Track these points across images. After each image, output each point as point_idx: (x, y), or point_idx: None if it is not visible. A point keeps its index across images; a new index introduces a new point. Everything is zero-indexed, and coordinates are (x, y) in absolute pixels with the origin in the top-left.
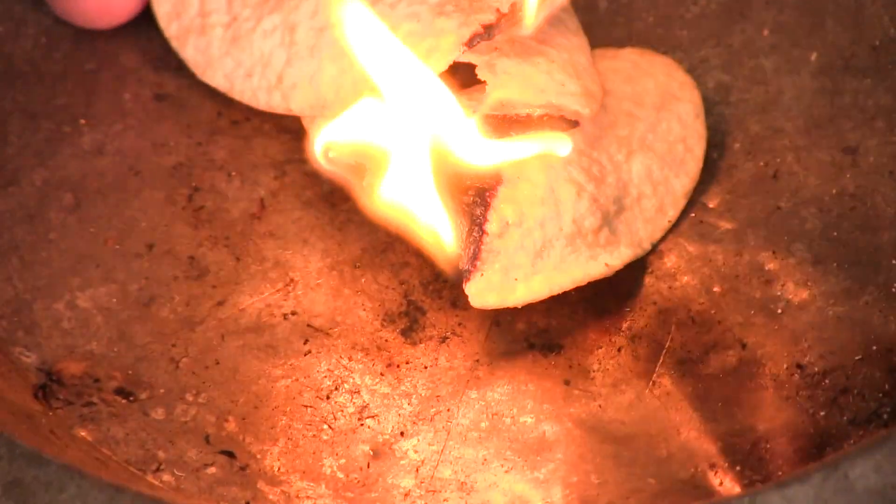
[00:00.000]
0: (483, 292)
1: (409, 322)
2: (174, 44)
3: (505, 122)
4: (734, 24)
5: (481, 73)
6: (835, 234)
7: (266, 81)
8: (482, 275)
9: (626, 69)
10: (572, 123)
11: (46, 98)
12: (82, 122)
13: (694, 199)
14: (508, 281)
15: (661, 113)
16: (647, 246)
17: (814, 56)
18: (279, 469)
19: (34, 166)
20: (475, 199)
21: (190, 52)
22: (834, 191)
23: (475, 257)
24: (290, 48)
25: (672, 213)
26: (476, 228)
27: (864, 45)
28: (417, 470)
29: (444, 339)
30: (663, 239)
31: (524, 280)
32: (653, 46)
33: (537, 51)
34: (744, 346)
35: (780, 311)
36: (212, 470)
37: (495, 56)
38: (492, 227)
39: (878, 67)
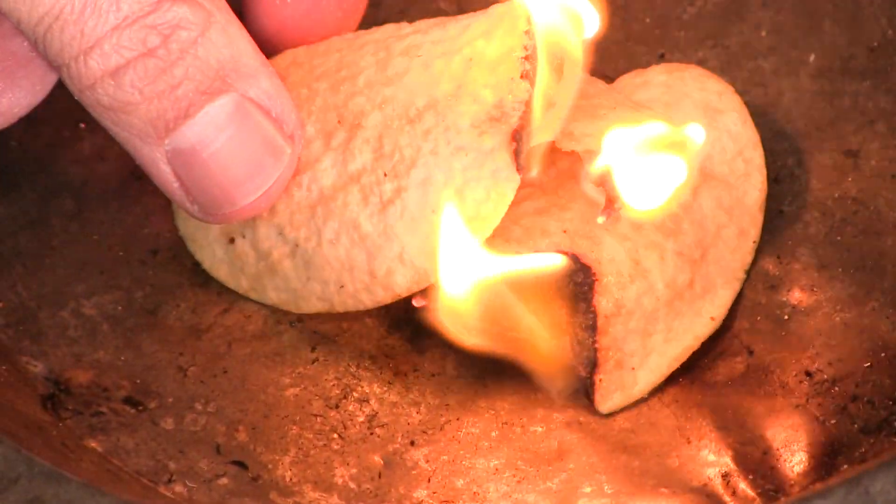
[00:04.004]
0: (609, 395)
1: (415, 328)
2: (254, 296)
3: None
4: (732, 26)
5: (566, 145)
6: (839, 238)
7: (361, 283)
8: (601, 380)
9: (661, 96)
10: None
11: (46, 102)
12: (82, 126)
13: None
14: (627, 373)
15: (709, 133)
16: (742, 275)
17: (812, 58)
18: (291, 479)
19: (35, 172)
20: (571, 304)
21: (273, 296)
22: (836, 194)
23: (594, 362)
24: (365, 242)
25: (754, 233)
26: (583, 334)
27: (861, 47)
28: (429, 480)
29: (450, 346)
30: (755, 261)
31: (641, 366)
32: (650, 47)
33: (590, 106)
34: (751, 352)
35: (786, 317)
36: (223, 481)
37: (568, 126)
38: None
39: (877, 69)
